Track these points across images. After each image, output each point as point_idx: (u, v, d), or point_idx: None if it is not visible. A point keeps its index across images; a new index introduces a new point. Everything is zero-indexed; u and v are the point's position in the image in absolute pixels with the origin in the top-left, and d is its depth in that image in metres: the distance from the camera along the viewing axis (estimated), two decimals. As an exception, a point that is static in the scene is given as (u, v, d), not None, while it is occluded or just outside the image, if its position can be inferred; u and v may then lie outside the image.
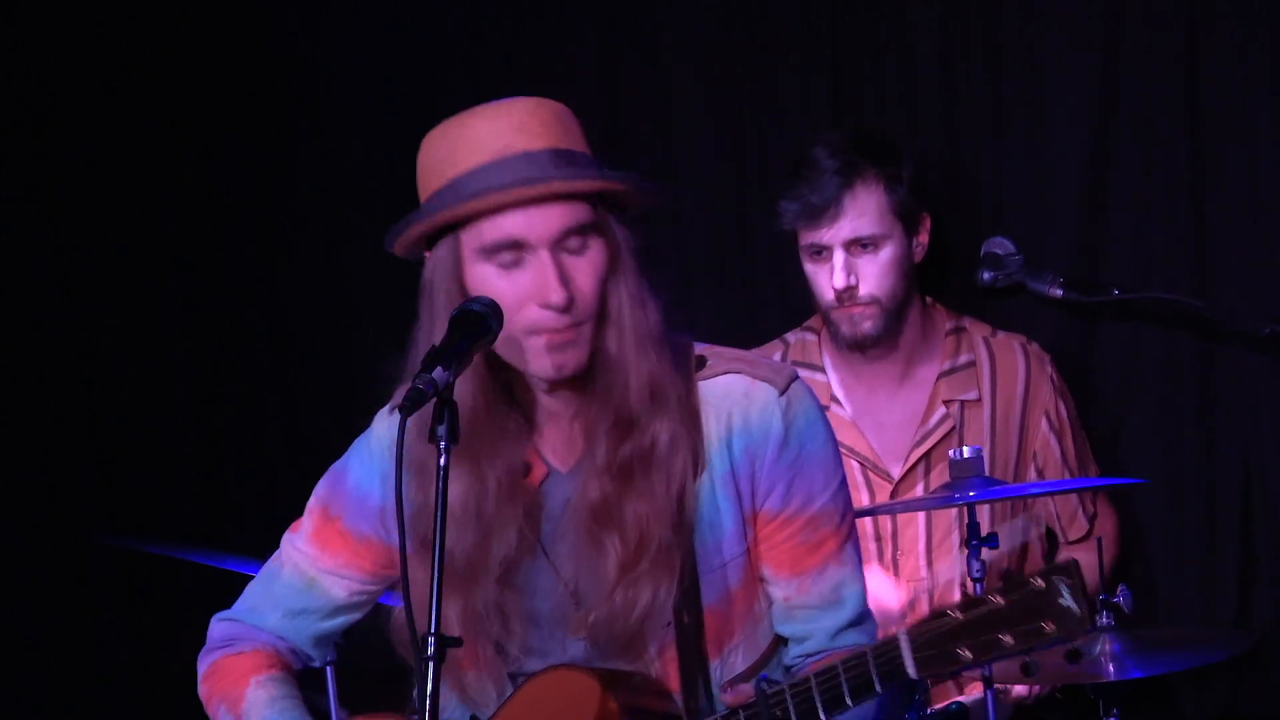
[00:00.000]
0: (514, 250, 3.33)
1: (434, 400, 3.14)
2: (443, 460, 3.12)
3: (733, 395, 3.42)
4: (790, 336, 5.12)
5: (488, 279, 3.33)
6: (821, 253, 4.94)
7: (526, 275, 3.32)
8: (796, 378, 3.45)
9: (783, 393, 3.42)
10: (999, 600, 3.17)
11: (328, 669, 4.62)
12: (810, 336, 5.09)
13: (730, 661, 3.48)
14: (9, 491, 5.73)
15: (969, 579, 4.37)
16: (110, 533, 5.56)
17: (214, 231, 5.83)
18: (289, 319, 5.82)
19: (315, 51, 5.77)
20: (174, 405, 5.85)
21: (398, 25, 5.63)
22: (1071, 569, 3.16)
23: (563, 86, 3.83)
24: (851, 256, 4.91)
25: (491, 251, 3.33)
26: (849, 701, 3.24)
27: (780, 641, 3.54)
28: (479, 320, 3.25)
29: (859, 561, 3.54)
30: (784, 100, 5.41)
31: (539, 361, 3.33)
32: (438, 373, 3.15)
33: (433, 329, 3.35)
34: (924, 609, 4.94)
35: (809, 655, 3.51)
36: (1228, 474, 5.02)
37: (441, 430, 3.13)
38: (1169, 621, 5.01)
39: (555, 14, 5.53)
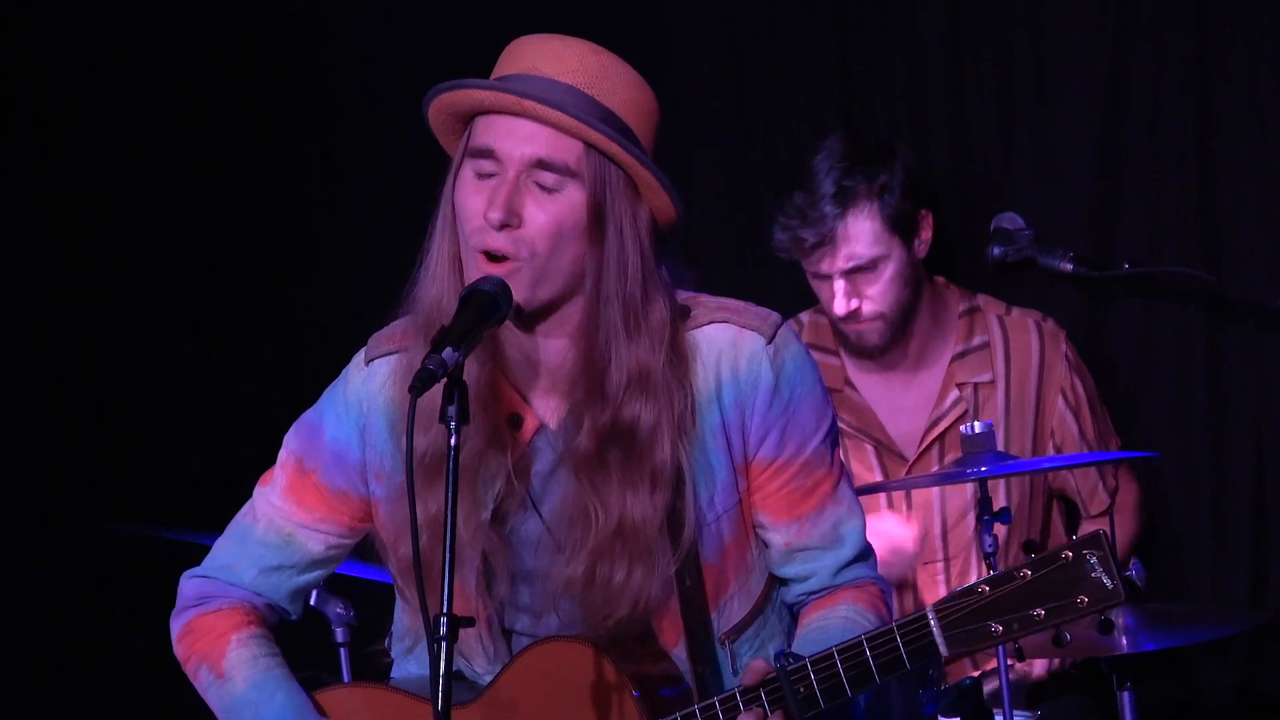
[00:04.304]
0: (487, 159, 3.30)
1: (444, 380, 3.13)
2: (453, 441, 3.10)
3: (719, 345, 3.37)
4: (804, 317, 5.11)
5: (461, 182, 3.32)
6: (823, 278, 4.93)
7: (488, 189, 3.29)
8: (782, 323, 3.41)
9: (770, 340, 3.38)
10: (1027, 574, 3.19)
11: (341, 650, 4.65)
12: (823, 319, 5.08)
13: (727, 612, 3.46)
14: (21, 480, 5.74)
15: (982, 553, 4.37)
16: (122, 520, 5.56)
17: (221, 220, 5.84)
18: (297, 306, 5.83)
19: (321, 48, 5.77)
20: (184, 393, 5.85)
21: (406, 26, 5.63)
22: (1099, 540, 3.18)
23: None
24: (851, 282, 4.90)
25: (471, 154, 3.32)
26: (876, 678, 3.23)
27: (775, 584, 3.52)
28: (489, 300, 3.23)
29: (855, 497, 3.52)
30: (792, 80, 5.41)
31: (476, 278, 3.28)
32: (447, 353, 3.12)
33: (434, 242, 3.35)
34: (935, 538, 4.94)
35: (813, 593, 3.49)
36: (1240, 447, 5.02)
37: (452, 411, 3.11)
38: (1182, 595, 5.01)
39: (564, 18, 5.52)
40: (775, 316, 3.42)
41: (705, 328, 3.38)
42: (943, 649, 3.21)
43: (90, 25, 5.74)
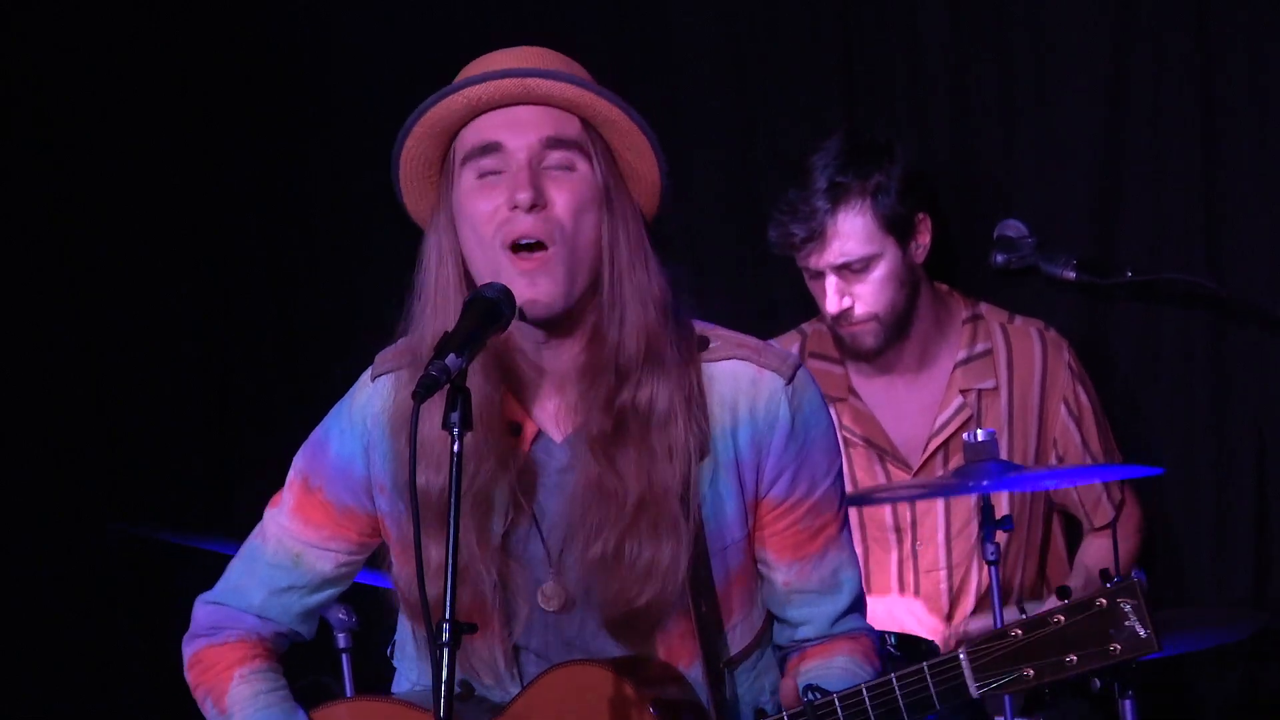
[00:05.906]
0: (493, 155, 3.28)
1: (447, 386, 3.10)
2: (456, 447, 3.08)
3: (739, 383, 3.38)
4: (807, 327, 5.11)
5: (468, 191, 3.29)
6: (816, 275, 4.92)
7: (502, 184, 3.27)
8: (800, 364, 3.43)
9: (789, 382, 3.39)
10: (1061, 620, 3.19)
11: (343, 656, 4.64)
12: (825, 328, 5.07)
13: (729, 640, 3.46)
14: (21, 480, 5.74)
15: (984, 561, 4.37)
16: (122, 520, 5.56)
17: (221, 220, 5.83)
18: (297, 306, 5.82)
19: (321, 48, 5.77)
20: (184, 393, 5.85)
21: (406, 26, 5.62)
22: (1134, 588, 3.18)
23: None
24: (843, 280, 4.89)
25: (472, 157, 3.30)
26: (905, 716, 3.25)
27: (771, 620, 3.52)
28: (492, 306, 3.20)
29: (854, 548, 3.52)
30: (792, 80, 5.40)
31: (513, 285, 3.24)
32: (451, 359, 3.10)
33: (429, 275, 3.33)
34: (939, 544, 4.94)
35: (807, 640, 3.49)
36: (1242, 454, 5.02)
37: (454, 417, 3.08)
38: (1184, 602, 5.01)
39: (564, 18, 5.51)
40: (794, 357, 3.44)
41: (724, 363, 3.39)
42: (973, 690, 3.22)
43: (90, 25, 5.73)
